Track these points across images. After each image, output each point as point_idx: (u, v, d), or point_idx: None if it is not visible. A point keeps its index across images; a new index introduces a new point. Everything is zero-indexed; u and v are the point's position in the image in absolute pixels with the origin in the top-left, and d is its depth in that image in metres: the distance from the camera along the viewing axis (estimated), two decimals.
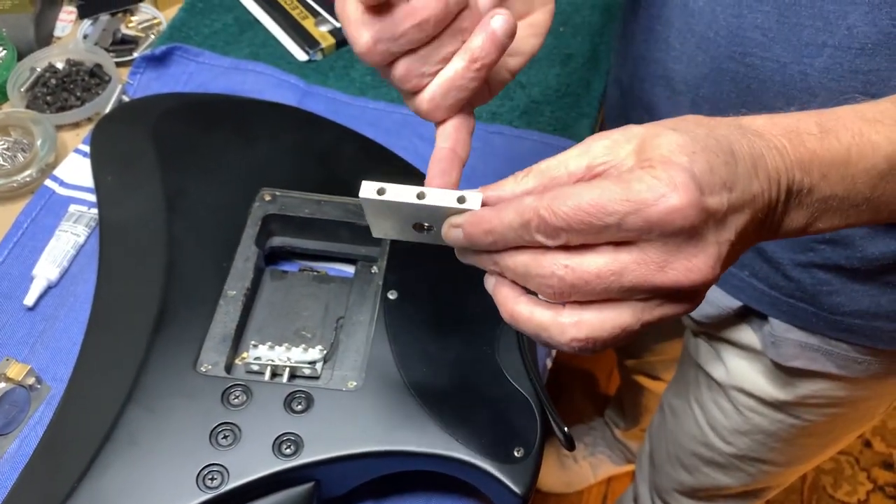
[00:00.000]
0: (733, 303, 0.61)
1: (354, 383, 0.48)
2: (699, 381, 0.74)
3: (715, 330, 0.67)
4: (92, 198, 0.63)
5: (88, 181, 0.64)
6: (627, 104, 0.61)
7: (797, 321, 0.59)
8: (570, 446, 0.47)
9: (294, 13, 0.75)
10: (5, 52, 0.72)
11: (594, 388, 1.57)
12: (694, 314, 0.65)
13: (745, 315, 0.63)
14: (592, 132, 0.70)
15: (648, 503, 0.93)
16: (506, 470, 0.45)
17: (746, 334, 0.64)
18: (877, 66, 0.43)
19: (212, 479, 0.43)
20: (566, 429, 0.46)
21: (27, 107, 0.69)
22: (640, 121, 0.57)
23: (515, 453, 0.46)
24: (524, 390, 0.48)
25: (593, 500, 1.44)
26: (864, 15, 0.42)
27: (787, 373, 0.63)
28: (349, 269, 0.58)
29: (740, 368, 0.67)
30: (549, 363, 0.63)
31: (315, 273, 0.57)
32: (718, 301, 0.62)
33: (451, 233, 0.36)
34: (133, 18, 0.78)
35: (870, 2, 0.42)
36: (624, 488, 1.18)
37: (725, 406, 0.71)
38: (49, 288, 0.58)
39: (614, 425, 1.34)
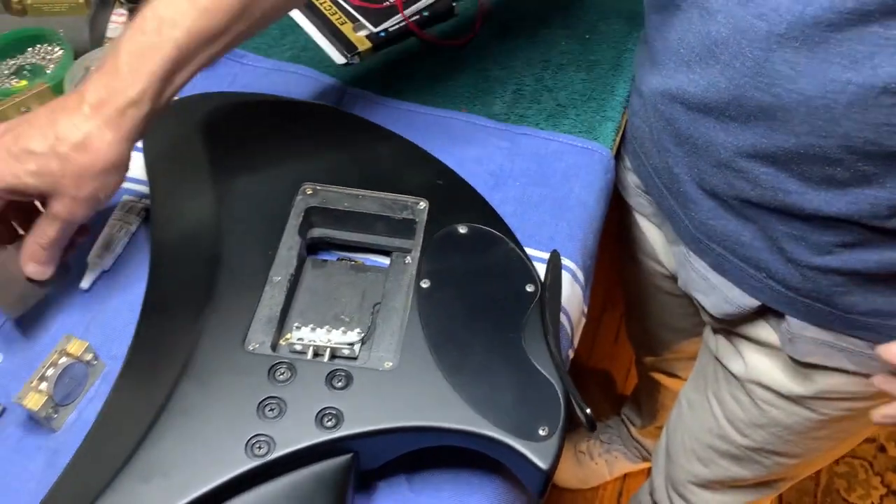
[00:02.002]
0: (752, 302, 0.64)
1: (390, 364, 0.52)
2: (717, 376, 0.77)
3: (734, 327, 0.70)
4: (142, 189, 0.67)
5: (139, 174, 0.68)
6: (650, 116, 0.64)
7: (813, 319, 0.62)
8: (592, 427, 0.50)
9: (333, 18, 0.79)
10: (62, 51, 0.77)
11: (611, 387, 1.60)
12: (714, 312, 0.68)
13: (763, 313, 0.66)
14: (616, 135, 0.73)
15: (664, 495, 0.96)
16: (532, 447, 0.48)
17: (764, 331, 0.67)
18: None
19: (259, 447, 0.47)
20: (588, 410, 0.50)
21: None
22: (662, 132, 0.61)
23: (541, 432, 0.49)
24: (549, 374, 0.52)
25: (608, 496, 1.47)
26: (890, 56, 0.45)
27: (804, 368, 0.66)
28: (383, 261, 0.62)
29: (758, 363, 0.70)
30: (570, 354, 0.67)
31: (352, 263, 0.61)
32: (738, 300, 0.65)
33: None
34: None
35: None
36: (639, 486, 1.20)
37: (743, 399, 0.73)
38: (103, 272, 0.63)
39: (630, 423, 1.36)
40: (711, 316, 0.70)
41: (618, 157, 0.74)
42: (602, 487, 1.47)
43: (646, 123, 0.65)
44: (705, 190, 0.60)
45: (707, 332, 0.79)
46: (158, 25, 0.51)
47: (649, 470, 1.37)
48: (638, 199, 0.76)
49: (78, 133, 0.50)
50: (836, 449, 0.78)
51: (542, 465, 0.48)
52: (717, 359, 0.76)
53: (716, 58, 0.52)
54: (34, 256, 0.54)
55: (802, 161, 0.51)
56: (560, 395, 0.51)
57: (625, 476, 1.47)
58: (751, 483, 0.84)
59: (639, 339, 1.09)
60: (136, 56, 0.50)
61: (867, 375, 0.64)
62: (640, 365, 1.17)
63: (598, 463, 1.44)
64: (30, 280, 0.56)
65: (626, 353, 1.60)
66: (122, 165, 0.52)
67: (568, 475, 1.45)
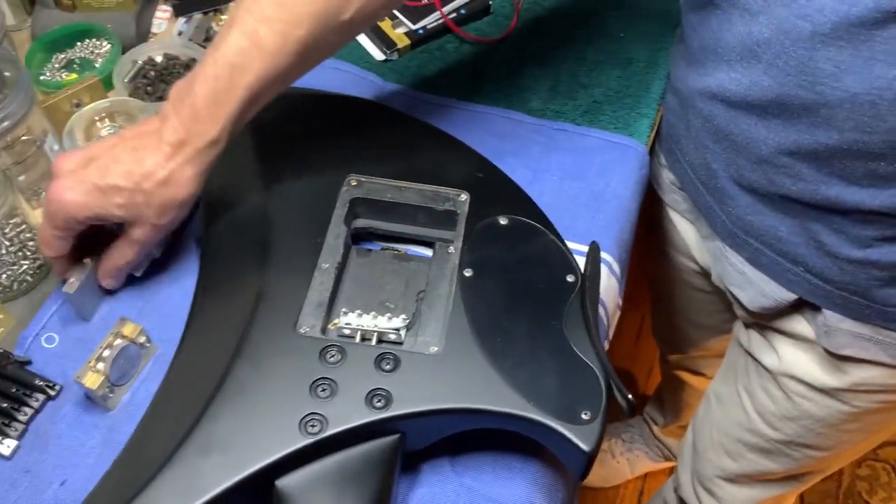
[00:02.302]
0: (789, 296, 0.65)
1: (436, 348, 0.53)
2: (748, 370, 0.78)
3: (768, 321, 0.71)
4: None
5: None
6: (688, 113, 0.65)
7: (850, 312, 0.63)
8: (632, 412, 0.51)
9: None
10: (110, 46, 0.79)
11: (633, 386, 1.61)
12: (751, 306, 0.69)
13: (798, 307, 0.67)
14: (651, 132, 0.74)
15: (690, 490, 0.97)
16: (575, 430, 0.50)
17: (800, 325, 0.68)
18: None
19: (312, 425, 0.49)
20: (629, 396, 0.51)
21: (129, 95, 0.75)
22: (700, 129, 0.62)
23: (583, 416, 0.50)
24: (590, 361, 0.53)
25: (629, 495, 1.48)
26: None
27: (838, 360, 0.67)
28: (423, 251, 0.63)
29: (792, 357, 0.71)
30: (606, 345, 0.68)
31: (396, 252, 0.62)
32: (774, 294, 0.66)
33: None
34: (223, 17, 0.84)
35: None
36: (660, 485, 1.21)
37: (775, 393, 0.74)
38: (154, 260, 0.64)
39: (653, 422, 1.37)
40: (746, 310, 0.71)
41: (651, 153, 0.76)
42: (623, 486, 1.48)
43: (682, 121, 0.66)
44: (743, 186, 0.61)
45: (738, 327, 0.80)
46: (231, 73, 0.54)
47: (671, 469, 1.38)
48: (672, 196, 0.77)
49: (163, 172, 0.54)
50: (866, 441, 0.79)
51: (586, 447, 0.49)
52: (748, 353, 0.77)
53: (758, 57, 0.53)
54: (113, 274, 0.60)
55: (845, 157, 0.53)
56: (601, 381, 0.52)
57: (646, 475, 1.48)
58: (779, 477, 0.85)
59: (665, 337, 1.10)
60: (213, 101, 0.54)
61: None
62: (665, 363, 1.18)
63: (619, 461, 1.45)
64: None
65: (647, 352, 1.61)
66: (197, 195, 0.57)
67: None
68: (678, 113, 0.67)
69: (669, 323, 1.03)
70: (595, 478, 1.45)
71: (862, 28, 0.47)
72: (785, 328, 0.70)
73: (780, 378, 0.73)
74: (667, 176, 0.76)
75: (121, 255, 0.58)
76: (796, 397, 0.73)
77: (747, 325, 0.77)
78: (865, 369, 0.66)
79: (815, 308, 0.65)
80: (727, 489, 0.91)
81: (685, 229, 0.79)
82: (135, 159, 0.54)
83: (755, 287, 0.67)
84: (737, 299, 0.71)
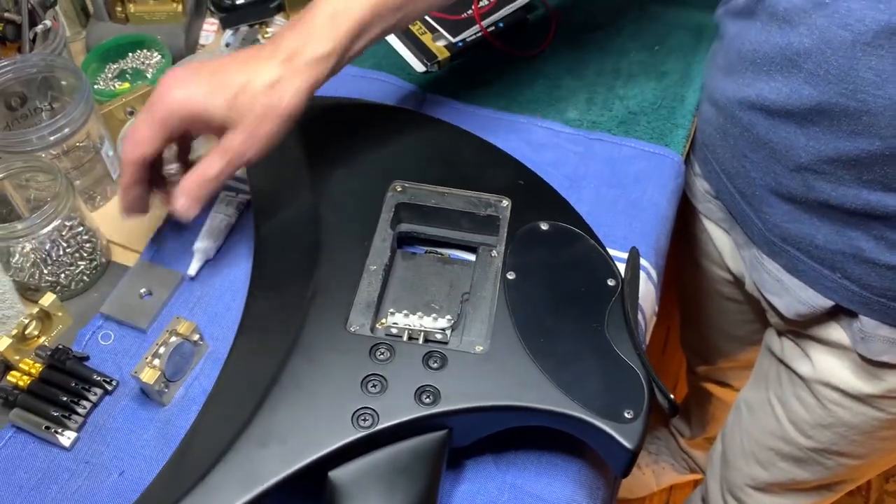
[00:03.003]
0: (825, 302, 0.66)
1: (481, 348, 0.55)
2: (780, 379, 0.79)
3: (803, 328, 0.72)
4: (239, 185, 0.71)
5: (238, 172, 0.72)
6: (725, 123, 0.66)
7: (888, 319, 0.64)
8: (674, 411, 0.53)
9: (414, 29, 0.83)
10: (161, 56, 0.82)
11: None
12: (787, 313, 0.70)
13: (834, 314, 0.68)
14: (686, 142, 0.76)
15: (718, 498, 0.97)
16: (618, 428, 0.51)
17: (835, 331, 0.69)
18: None
19: (364, 419, 0.51)
20: (671, 396, 0.52)
21: None
22: (738, 138, 0.63)
23: (626, 414, 0.52)
24: (631, 362, 0.54)
25: None
26: None
27: (874, 367, 0.68)
28: (466, 255, 0.65)
29: (827, 364, 0.72)
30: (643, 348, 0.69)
31: (440, 255, 0.64)
32: (811, 301, 0.67)
33: None
34: (268, 30, 0.87)
35: None
36: (685, 497, 1.22)
37: (808, 400, 0.75)
38: (207, 261, 0.67)
39: (679, 434, 1.38)
40: (782, 318, 0.72)
41: (686, 163, 0.77)
42: (648, 498, 1.48)
43: (718, 131, 0.68)
44: (781, 194, 0.63)
45: (770, 335, 0.81)
46: None
47: (696, 482, 1.38)
48: (707, 205, 0.78)
49: (272, 74, 0.55)
50: None
51: (629, 445, 0.51)
52: (781, 361, 0.78)
53: (798, 67, 0.55)
54: (194, 190, 0.57)
55: (886, 163, 0.54)
56: (643, 381, 0.54)
57: (671, 487, 1.48)
58: (811, 486, 0.85)
59: (694, 348, 1.11)
60: (331, 17, 0.56)
61: None
62: (692, 375, 1.19)
63: (645, 473, 1.45)
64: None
65: (674, 364, 1.62)
66: (297, 114, 0.57)
67: None
68: (714, 123, 0.69)
69: (699, 334, 1.04)
70: (620, 489, 1.45)
71: None
72: (820, 335, 0.71)
73: (813, 386, 0.74)
74: (701, 185, 0.77)
75: (209, 166, 0.56)
76: (830, 405, 0.73)
77: (780, 334, 0.78)
78: None
79: (852, 314, 0.66)
80: (756, 498, 0.91)
81: (719, 238, 0.80)
82: (245, 64, 0.55)
83: (792, 294, 0.68)
84: (773, 307, 0.72)
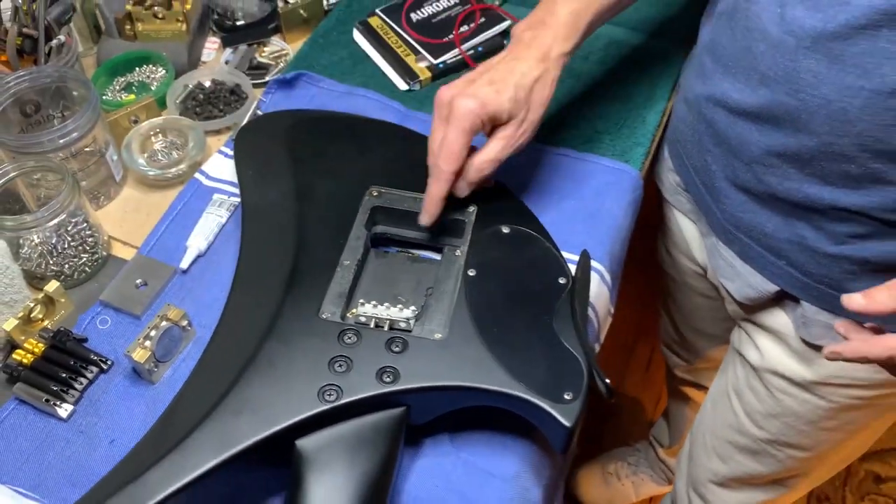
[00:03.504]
0: (772, 287, 0.72)
1: (440, 335, 0.61)
2: (737, 371, 0.85)
3: (752, 314, 0.78)
4: (231, 189, 0.78)
5: (228, 175, 0.79)
6: (694, 119, 0.73)
7: (825, 304, 0.69)
8: (611, 396, 0.58)
9: (398, 50, 0.90)
10: (165, 71, 0.89)
11: (641, 413, 1.66)
12: (738, 297, 0.76)
13: (779, 300, 0.74)
14: (645, 159, 0.82)
15: (684, 496, 1.02)
16: (558, 408, 0.57)
17: (780, 318, 0.75)
18: None
19: (329, 394, 0.56)
20: (608, 381, 0.58)
21: (180, 115, 0.85)
22: (703, 134, 0.70)
23: (566, 396, 0.57)
24: (575, 351, 0.60)
25: None
26: None
27: (814, 351, 0.73)
28: (435, 255, 0.71)
29: (772, 350, 0.77)
30: (596, 347, 0.75)
31: (409, 254, 0.70)
32: (759, 285, 0.73)
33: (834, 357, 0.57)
34: (265, 49, 0.94)
35: None
36: None
37: (759, 390, 0.81)
38: (199, 256, 0.73)
39: (658, 444, 1.42)
40: (735, 302, 0.78)
41: (659, 158, 0.84)
42: None
43: (689, 127, 0.74)
44: (737, 185, 0.69)
45: (733, 332, 0.87)
46: None
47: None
48: (677, 197, 0.84)
49: (537, 72, 0.66)
50: (846, 444, 0.84)
51: (567, 423, 0.56)
52: (737, 351, 0.84)
53: (755, 68, 0.61)
54: (483, 168, 0.67)
55: (823, 158, 0.60)
56: (584, 368, 0.59)
57: (650, 498, 1.52)
58: (766, 480, 0.90)
59: (672, 347, 1.15)
60: (573, 21, 0.67)
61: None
62: (672, 379, 1.23)
63: (624, 484, 1.49)
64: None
65: (657, 381, 1.67)
66: (551, 98, 0.68)
67: (595, 495, 1.50)
68: (686, 120, 0.75)
69: (676, 329, 1.09)
70: (600, 499, 1.50)
71: (835, 42, 0.55)
72: (766, 322, 0.77)
73: (763, 374, 0.80)
74: (673, 178, 0.83)
75: (493, 150, 0.67)
76: (778, 393, 0.79)
77: (738, 325, 0.83)
78: (838, 361, 0.72)
79: (795, 300, 0.72)
80: (718, 494, 0.96)
81: (688, 229, 0.86)
82: (509, 68, 0.66)
83: (742, 278, 0.74)
84: (728, 291, 0.78)
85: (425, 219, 0.67)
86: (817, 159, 0.61)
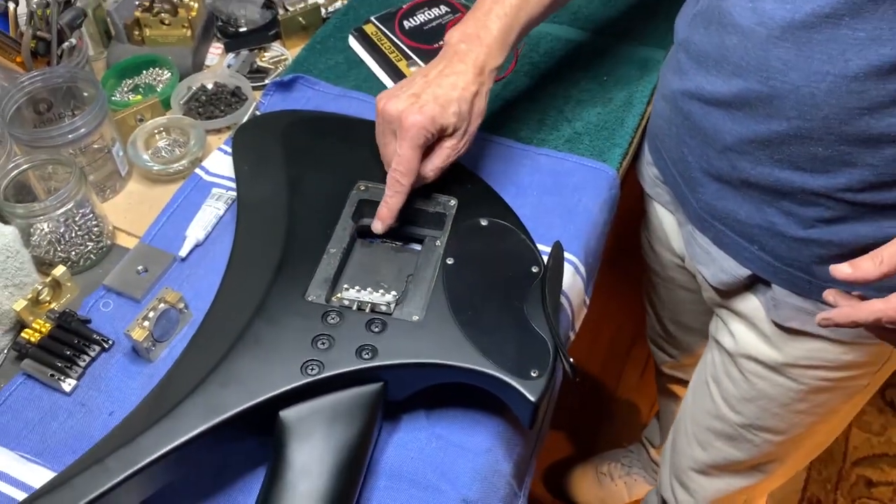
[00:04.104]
0: (744, 272, 0.76)
1: (417, 317, 0.65)
2: (714, 358, 0.88)
3: (727, 299, 0.82)
4: (229, 184, 0.83)
5: (227, 172, 0.84)
6: (671, 113, 0.77)
7: (795, 288, 0.73)
8: (575, 375, 0.62)
9: (391, 56, 0.95)
10: (170, 74, 0.94)
11: (636, 416, 1.69)
12: (712, 282, 0.80)
13: (751, 285, 0.78)
14: (622, 159, 0.86)
15: (667, 486, 1.05)
16: (524, 384, 0.61)
17: (752, 302, 0.79)
18: (867, 89, 0.59)
19: (311, 369, 0.61)
20: (571, 360, 0.62)
21: (184, 115, 0.90)
22: (680, 126, 0.74)
23: (532, 374, 0.61)
24: (543, 334, 0.64)
25: None
26: (858, 52, 0.58)
27: (784, 333, 0.77)
28: (418, 246, 0.75)
29: (744, 335, 0.81)
30: (571, 335, 0.79)
31: (393, 244, 0.74)
32: (732, 270, 0.77)
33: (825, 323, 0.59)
34: (266, 54, 0.99)
35: (861, 42, 0.57)
36: None
37: (735, 374, 0.84)
38: (196, 245, 0.78)
39: (650, 444, 1.45)
40: (711, 288, 0.81)
41: (640, 154, 0.88)
42: None
43: (666, 121, 0.78)
44: (711, 174, 0.73)
45: (710, 321, 0.90)
46: (516, 12, 0.73)
47: None
48: (656, 189, 0.88)
49: (475, 87, 0.72)
50: (818, 428, 0.87)
51: (532, 397, 0.60)
52: (714, 339, 0.87)
53: (727, 60, 0.66)
54: (435, 171, 0.72)
55: (792, 143, 0.64)
56: (550, 350, 0.63)
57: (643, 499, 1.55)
58: (745, 466, 0.93)
59: (658, 341, 1.19)
60: (504, 35, 0.73)
61: (838, 342, 0.75)
62: (660, 377, 1.27)
63: (617, 485, 1.52)
64: None
65: (651, 385, 1.70)
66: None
67: (589, 495, 1.53)
68: (663, 114, 0.79)
69: (661, 324, 1.13)
70: (594, 499, 1.53)
71: (802, 30, 0.59)
72: (739, 308, 0.80)
73: (738, 359, 0.83)
74: (651, 171, 0.87)
75: (440, 158, 0.72)
76: (752, 377, 0.82)
77: (715, 312, 0.87)
78: (807, 342, 0.76)
79: (766, 284, 0.76)
80: (699, 481, 0.99)
81: (666, 219, 0.90)
82: (451, 83, 0.70)
83: (717, 264, 0.78)
84: (703, 278, 0.82)
85: (380, 227, 0.71)
86: (787, 143, 0.65)
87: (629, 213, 0.97)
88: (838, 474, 1.62)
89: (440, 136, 0.71)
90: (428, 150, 0.71)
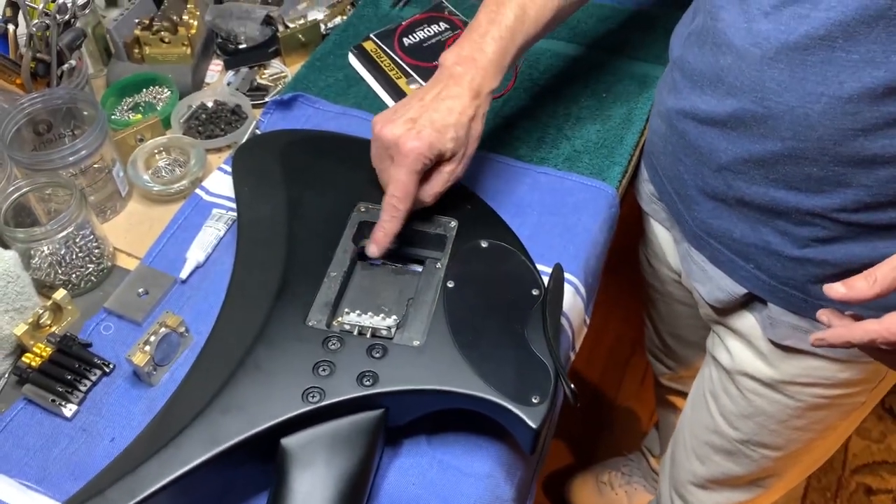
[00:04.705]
0: (740, 290, 0.76)
1: (418, 342, 0.65)
2: (712, 374, 0.89)
3: (723, 317, 0.82)
4: (229, 204, 0.83)
5: (227, 192, 0.84)
6: (667, 131, 0.77)
7: (790, 306, 0.73)
8: (576, 401, 0.62)
9: (390, 73, 0.95)
10: (170, 93, 0.94)
11: (636, 425, 1.69)
12: (709, 300, 0.80)
13: (747, 303, 0.78)
14: (622, 178, 0.86)
15: (667, 498, 1.06)
16: (525, 410, 0.61)
17: (748, 321, 0.79)
18: (860, 110, 0.59)
19: (312, 396, 0.61)
20: (572, 386, 0.62)
21: (184, 134, 0.90)
22: (676, 145, 0.74)
23: (533, 400, 0.61)
24: (544, 358, 0.64)
25: None
26: (852, 74, 0.58)
27: (781, 352, 0.77)
28: (418, 268, 0.75)
29: (741, 352, 0.81)
30: (571, 356, 0.79)
31: (393, 266, 0.75)
32: (728, 288, 0.77)
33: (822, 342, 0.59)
34: (265, 71, 0.99)
35: (855, 64, 0.57)
36: None
37: (732, 391, 0.85)
38: (197, 267, 0.78)
39: (650, 454, 1.45)
40: (707, 305, 0.81)
41: (637, 171, 0.88)
42: None
43: (662, 139, 0.79)
44: (707, 193, 0.73)
45: (708, 336, 0.90)
46: (511, 35, 0.73)
47: None
48: (652, 206, 0.88)
49: (471, 111, 0.71)
50: (816, 444, 0.88)
51: (533, 424, 0.60)
52: (711, 355, 0.88)
53: (722, 80, 0.66)
54: (433, 197, 0.72)
55: (787, 162, 0.64)
56: (551, 375, 0.63)
57: None
58: (743, 481, 0.93)
59: (657, 354, 1.19)
60: (499, 59, 0.73)
61: (835, 360, 0.75)
62: (659, 388, 1.27)
63: (618, 493, 1.52)
64: None
65: (650, 394, 1.70)
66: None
67: (588, 503, 1.54)
68: (659, 132, 0.79)
69: (659, 337, 1.13)
70: None
71: (797, 52, 0.60)
72: (736, 325, 0.80)
73: (735, 376, 0.83)
74: (648, 188, 0.87)
75: (438, 184, 0.72)
76: (749, 394, 0.83)
77: (712, 329, 0.87)
78: (803, 360, 0.76)
79: (762, 302, 0.76)
80: (697, 495, 0.99)
81: (663, 236, 0.90)
82: (447, 107, 0.70)
83: (713, 282, 0.78)
84: (700, 295, 0.82)
85: (375, 251, 0.71)
86: (782, 163, 0.65)
87: (630, 225, 0.97)
88: (838, 482, 1.62)
89: (438, 161, 0.71)
90: (426, 173, 0.71)
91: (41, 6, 0.81)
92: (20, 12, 0.82)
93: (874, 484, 1.61)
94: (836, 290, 0.56)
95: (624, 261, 1.15)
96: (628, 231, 0.98)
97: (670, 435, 1.33)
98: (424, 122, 0.69)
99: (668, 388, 1.24)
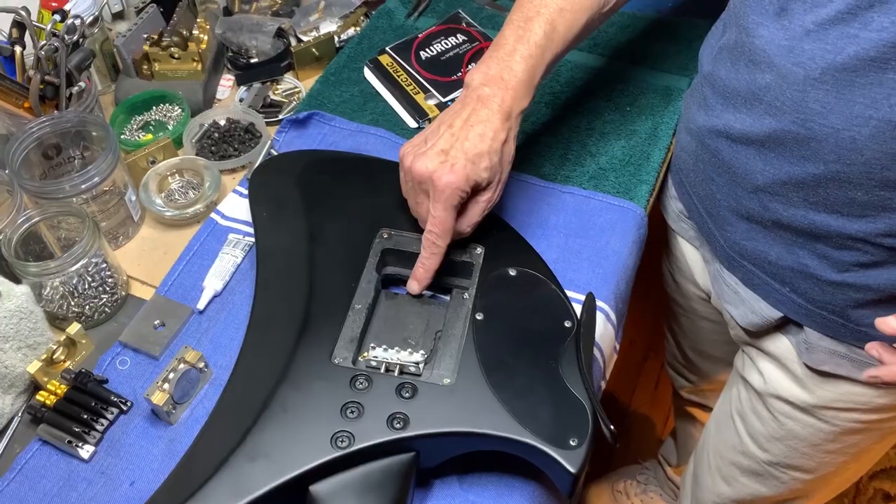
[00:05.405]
0: (775, 314, 0.74)
1: (448, 380, 0.62)
2: (741, 395, 0.86)
3: (756, 339, 0.80)
4: (246, 229, 0.80)
5: (243, 215, 0.81)
6: (697, 149, 0.74)
7: (828, 331, 0.71)
8: (615, 441, 0.60)
9: (408, 89, 0.92)
10: (181, 110, 0.91)
11: (650, 430, 1.67)
12: (742, 323, 0.78)
13: (782, 326, 0.76)
14: (650, 196, 0.84)
15: None
16: (563, 454, 0.58)
17: (783, 344, 0.76)
18: None
19: (342, 441, 0.58)
20: (612, 427, 0.60)
21: (196, 154, 0.87)
22: (707, 163, 0.71)
23: (571, 442, 0.59)
24: (580, 396, 0.62)
25: None
26: None
27: (816, 377, 0.75)
28: (444, 296, 0.73)
29: (775, 375, 0.79)
30: (602, 384, 0.76)
31: (419, 295, 0.72)
32: (763, 312, 0.75)
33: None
34: (279, 87, 0.96)
35: None
36: None
37: (763, 414, 0.82)
38: (215, 296, 0.75)
39: (667, 463, 1.43)
40: (739, 327, 0.79)
41: (664, 186, 0.85)
42: None
43: (691, 156, 0.76)
44: (740, 214, 0.70)
45: (736, 356, 0.88)
46: (541, 53, 0.69)
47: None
48: (680, 224, 0.86)
49: (503, 134, 0.67)
50: (848, 466, 0.86)
51: (572, 469, 0.58)
52: (741, 376, 0.85)
53: (760, 100, 0.63)
54: (472, 226, 0.70)
55: (829, 185, 0.62)
56: (588, 414, 0.61)
57: None
58: (770, 502, 0.91)
59: (677, 367, 1.17)
60: (529, 77, 0.69)
61: (873, 386, 0.73)
62: (678, 399, 1.25)
63: (633, 502, 1.50)
64: None
65: (665, 399, 1.68)
66: None
67: None
68: (689, 149, 0.77)
69: (681, 352, 1.11)
70: None
71: (844, 73, 0.57)
72: (769, 348, 0.78)
73: (766, 399, 0.81)
74: (676, 206, 0.85)
75: (475, 214, 0.69)
76: (781, 417, 0.80)
77: (741, 349, 0.85)
78: (840, 385, 0.74)
79: (798, 326, 0.73)
80: None
81: (691, 254, 0.88)
82: (479, 134, 0.66)
83: (747, 305, 0.76)
84: (731, 317, 0.79)
85: (416, 288, 0.69)
86: (823, 186, 0.62)
87: (648, 237, 0.94)
88: (855, 488, 1.60)
89: (474, 190, 0.68)
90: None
91: (49, 26, 0.78)
92: (27, 33, 0.79)
93: (892, 490, 1.60)
94: (889, 324, 0.54)
95: (638, 267, 1.12)
96: (646, 242, 0.96)
97: (689, 446, 1.31)
98: (457, 152, 0.66)
99: (687, 399, 1.21)
